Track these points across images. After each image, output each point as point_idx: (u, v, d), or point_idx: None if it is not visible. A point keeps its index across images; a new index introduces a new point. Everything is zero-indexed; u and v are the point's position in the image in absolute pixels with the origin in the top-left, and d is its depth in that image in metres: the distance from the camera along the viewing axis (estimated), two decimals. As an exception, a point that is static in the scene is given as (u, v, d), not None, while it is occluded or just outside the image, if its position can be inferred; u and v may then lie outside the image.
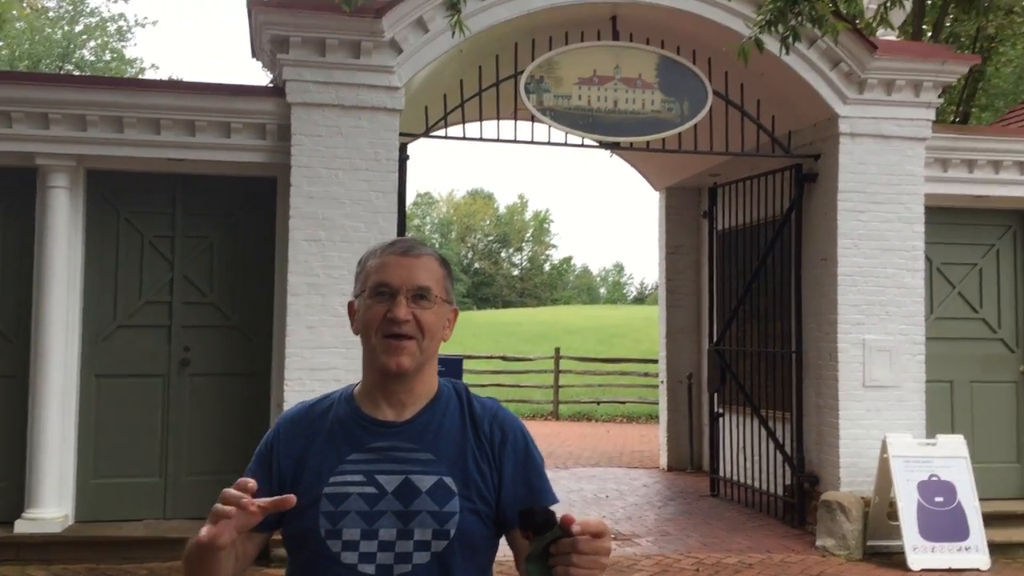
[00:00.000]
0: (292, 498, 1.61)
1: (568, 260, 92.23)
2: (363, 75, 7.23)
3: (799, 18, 4.80)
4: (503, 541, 1.90)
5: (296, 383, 7.07)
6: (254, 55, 8.06)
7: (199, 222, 7.64)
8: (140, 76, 29.05)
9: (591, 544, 1.49)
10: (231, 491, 1.57)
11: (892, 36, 8.24)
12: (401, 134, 7.47)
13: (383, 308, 1.81)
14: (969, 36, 14.82)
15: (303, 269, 7.13)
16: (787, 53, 5.46)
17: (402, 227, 7.52)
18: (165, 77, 30.59)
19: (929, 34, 14.71)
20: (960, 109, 15.81)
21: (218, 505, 1.56)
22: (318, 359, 7.11)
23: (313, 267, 7.14)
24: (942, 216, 8.45)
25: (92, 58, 29.41)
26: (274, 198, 7.57)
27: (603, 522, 1.53)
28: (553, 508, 1.60)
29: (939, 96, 8.14)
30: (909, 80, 7.90)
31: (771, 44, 5.47)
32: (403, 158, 7.54)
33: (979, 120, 16.67)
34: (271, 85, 7.82)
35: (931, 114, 8.08)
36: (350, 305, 1.93)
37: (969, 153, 8.25)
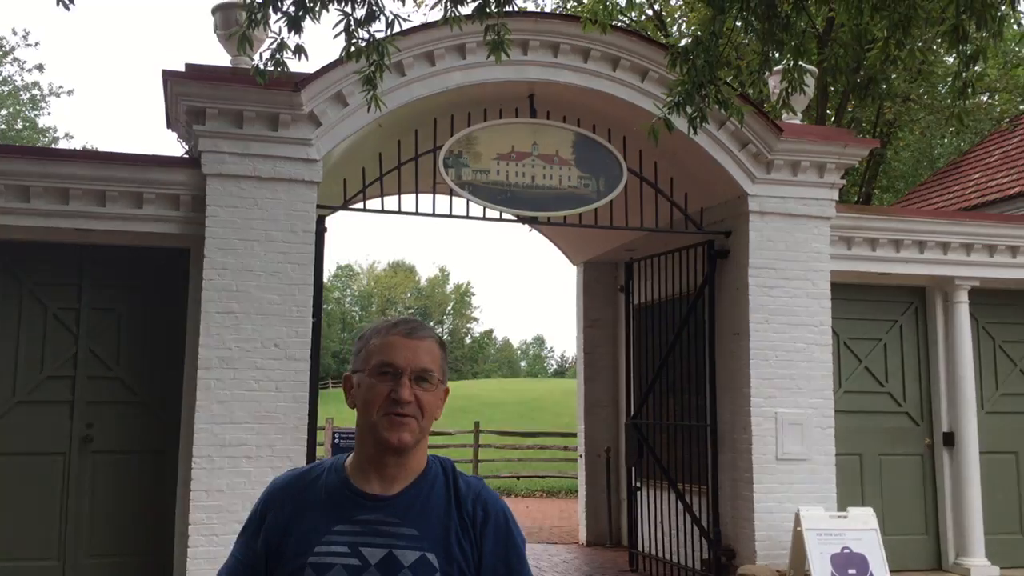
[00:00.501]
0: None
1: (489, 333, 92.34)
2: (281, 147, 7.22)
3: (706, 100, 4.97)
4: None
5: (205, 460, 6.86)
6: (169, 125, 7.98)
7: (107, 294, 7.44)
8: (52, 145, 28.45)
9: None
10: None
11: (797, 120, 8.59)
12: (319, 206, 7.44)
13: (387, 387, 1.89)
14: (870, 121, 15.55)
15: (215, 342, 6.97)
16: (695, 133, 5.64)
17: (318, 299, 7.43)
18: (79, 147, 30.02)
19: (832, 119, 15.39)
20: (863, 190, 16.50)
21: None
22: (229, 435, 6.92)
23: (226, 340, 6.99)
24: (848, 292, 8.73)
25: (2, 126, 28.76)
26: (186, 269, 7.43)
27: None
28: None
29: (842, 177, 8.48)
30: (813, 161, 8.22)
31: (681, 124, 5.64)
32: (320, 230, 7.50)
33: (881, 201, 17.42)
34: (186, 156, 7.74)
35: (834, 194, 8.41)
36: (347, 379, 1.99)
37: (871, 232, 8.58)
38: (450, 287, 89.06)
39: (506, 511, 1.98)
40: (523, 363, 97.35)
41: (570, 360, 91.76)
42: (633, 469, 9.79)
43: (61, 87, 31.01)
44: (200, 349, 6.95)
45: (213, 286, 7.01)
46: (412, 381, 1.90)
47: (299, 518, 1.90)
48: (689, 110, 4.92)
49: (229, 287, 7.04)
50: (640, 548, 9.66)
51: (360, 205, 8.02)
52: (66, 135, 35.28)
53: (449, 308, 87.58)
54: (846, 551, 7.59)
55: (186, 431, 7.13)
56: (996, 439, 9.05)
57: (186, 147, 8.01)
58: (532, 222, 8.70)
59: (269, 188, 7.18)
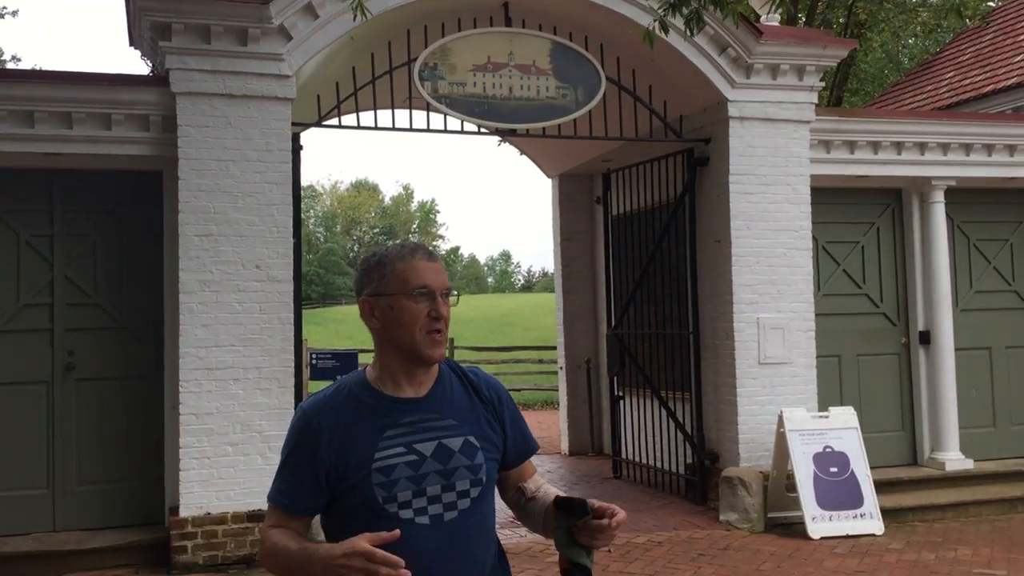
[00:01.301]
0: (397, 533, 1.94)
1: (456, 250, 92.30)
2: (251, 63, 6.99)
3: (702, 1, 4.86)
4: None
5: (192, 384, 6.81)
6: (132, 43, 7.69)
7: (80, 219, 7.25)
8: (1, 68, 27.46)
9: (613, 528, 2.04)
10: (384, 558, 1.87)
11: (776, 22, 8.47)
12: (293, 124, 7.26)
13: (425, 307, 2.13)
14: (839, 23, 15.40)
15: (195, 266, 6.86)
16: (692, 35, 5.52)
17: (297, 220, 7.31)
18: (30, 68, 29.03)
19: (803, 21, 15.22)
20: (832, 94, 16.44)
21: (371, 566, 1.87)
22: (214, 358, 6.85)
23: (205, 263, 6.87)
24: (826, 196, 8.74)
25: (-54, 50, 27.68)
26: (160, 192, 7.26)
27: (624, 514, 2.07)
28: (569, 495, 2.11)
29: (821, 79, 8.41)
30: (793, 64, 8.13)
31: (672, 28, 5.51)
32: (296, 148, 7.33)
33: (851, 104, 17.37)
34: (152, 74, 7.48)
35: (814, 97, 8.35)
36: (365, 302, 2.18)
37: (850, 135, 8.56)
38: (415, 205, 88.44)
39: (506, 390, 2.34)
40: (490, 279, 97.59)
41: (537, 275, 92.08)
42: (615, 379, 9.90)
43: (4, 8, 29.89)
44: (180, 273, 6.83)
45: (189, 208, 6.86)
46: (442, 299, 2.15)
47: (348, 434, 2.11)
48: (685, 11, 4.80)
49: (206, 209, 6.89)
50: (623, 455, 9.83)
51: (335, 122, 7.83)
52: (13, 57, 34.10)
53: (414, 226, 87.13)
54: (828, 450, 7.77)
55: (171, 356, 7.06)
56: (971, 336, 9.23)
57: (151, 65, 7.74)
58: (511, 135, 8.57)
59: (241, 106, 6.98)
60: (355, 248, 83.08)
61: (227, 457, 6.84)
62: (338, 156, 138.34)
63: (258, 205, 7.01)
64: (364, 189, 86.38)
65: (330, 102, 7.48)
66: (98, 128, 6.89)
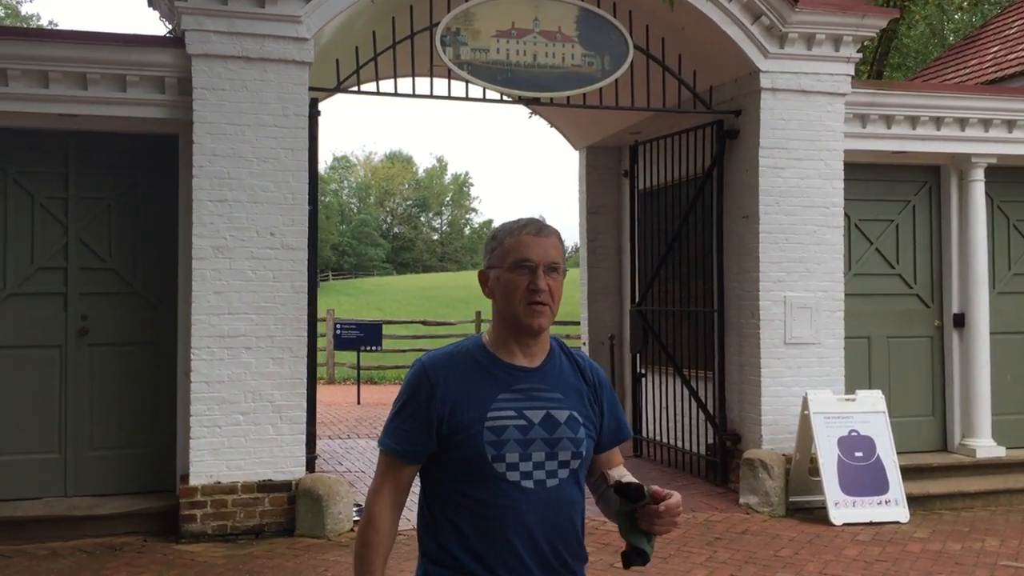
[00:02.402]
0: None
1: (488, 223, 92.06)
2: (268, 25, 6.83)
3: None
4: None
5: (204, 351, 6.72)
6: (151, 4, 7.56)
7: (95, 182, 7.17)
8: (36, 33, 27.60)
9: (671, 514, 2.12)
10: None
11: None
12: (311, 89, 7.11)
13: (525, 280, 2.21)
14: (882, -5, 14.93)
15: (209, 231, 6.75)
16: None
17: (314, 186, 7.17)
18: (43, 27, 29.16)
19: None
20: (873, 68, 15.98)
21: None
22: (227, 326, 6.76)
23: (219, 229, 6.76)
24: (860, 172, 8.45)
25: (-17, 14, 27.86)
26: (176, 156, 7.15)
27: (680, 497, 2.14)
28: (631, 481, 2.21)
29: (858, 51, 8.10)
30: (829, 34, 7.83)
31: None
32: (314, 113, 7.18)
33: (892, 80, 16.88)
34: (169, 36, 7.35)
35: (850, 69, 8.04)
36: (482, 274, 2.32)
37: (887, 109, 8.25)
38: (448, 178, 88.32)
39: (604, 373, 2.43)
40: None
41: (569, 249, 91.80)
42: (638, 355, 9.71)
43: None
44: (193, 239, 6.73)
45: (204, 173, 6.74)
46: (545, 273, 2.21)
47: (465, 390, 2.21)
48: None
49: (221, 174, 6.77)
50: (644, 434, 9.66)
51: (354, 88, 7.67)
52: (50, 23, 34.23)
53: (448, 199, 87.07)
54: (853, 434, 7.54)
55: (183, 322, 6.98)
56: (1007, 320, 8.92)
57: (169, 27, 7.61)
58: (534, 103, 8.36)
59: (258, 69, 6.83)
60: (388, 220, 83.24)
61: (238, 426, 6.76)
62: (372, 127, 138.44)
63: (273, 171, 6.88)
64: (398, 160, 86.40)
65: (349, 67, 7.32)
66: (113, 89, 6.78)
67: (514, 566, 2.16)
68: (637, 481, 2.19)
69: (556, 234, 2.28)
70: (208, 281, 6.74)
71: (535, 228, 2.26)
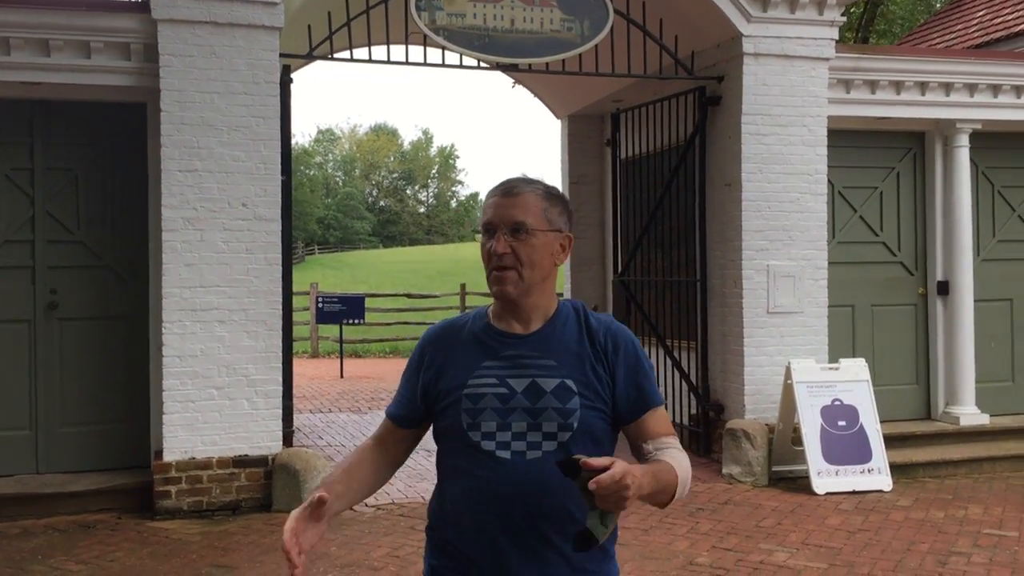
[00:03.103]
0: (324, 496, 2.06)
1: (475, 196, 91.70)
2: (237, -11, 6.63)
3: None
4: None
5: (176, 325, 6.58)
6: (116, -32, 7.34)
7: (62, 152, 6.99)
8: None
9: (609, 490, 1.80)
10: (285, 543, 1.98)
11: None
12: (282, 55, 6.93)
13: (489, 245, 2.11)
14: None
15: (178, 202, 6.59)
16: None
17: (287, 155, 7.01)
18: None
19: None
20: (859, 35, 15.83)
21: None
22: (199, 299, 6.62)
23: (189, 200, 6.60)
24: (843, 139, 8.33)
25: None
26: (144, 125, 6.97)
27: (614, 470, 1.79)
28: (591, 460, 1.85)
29: (842, 14, 7.96)
30: (813, -3, 7.68)
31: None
32: (285, 80, 7.00)
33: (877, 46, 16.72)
34: (135, 0, 7.15)
35: (834, 33, 7.90)
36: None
37: (871, 74, 8.12)
38: (434, 150, 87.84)
39: (634, 341, 2.20)
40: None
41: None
42: (621, 326, 9.60)
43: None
44: (163, 210, 6.57)
45: (172, 142, 6.57)
46: (507, 235, 2.08)
47: (453, 358, 2.17)
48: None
49: (190, 143, 6.59)
50: (628, 404, 9.57)
51: (328, 55, 7.48)
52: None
53: (434, 172, 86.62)
54: (837, 403, 7.48)
55: (155, 296, 6.83)
56: (991, 287, 8.86)
57: (136, -8, 7.38)
58: (512, 70, 8.19)
59: (227, 35, 6.64)
60: (374, 193, 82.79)
61: (212, 401, 6.64)
62: (357, 100, 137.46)
63: (244, 140, 6.71)
64: (383, 133, 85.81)
65: (322, 33, 7.13)
66: (77, 56, 6.59)
67: (485, 537, 2.08)
68: (570, 456, 1.89)
69: (537, 191, 2.13)
70: (179, 253, 6.59)
71: (503, 188, 2.14)
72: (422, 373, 2.21)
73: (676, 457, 2.09)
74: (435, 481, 2.30)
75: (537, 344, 2.14)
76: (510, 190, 2.13)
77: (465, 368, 2.14)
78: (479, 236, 2.19)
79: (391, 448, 2.30)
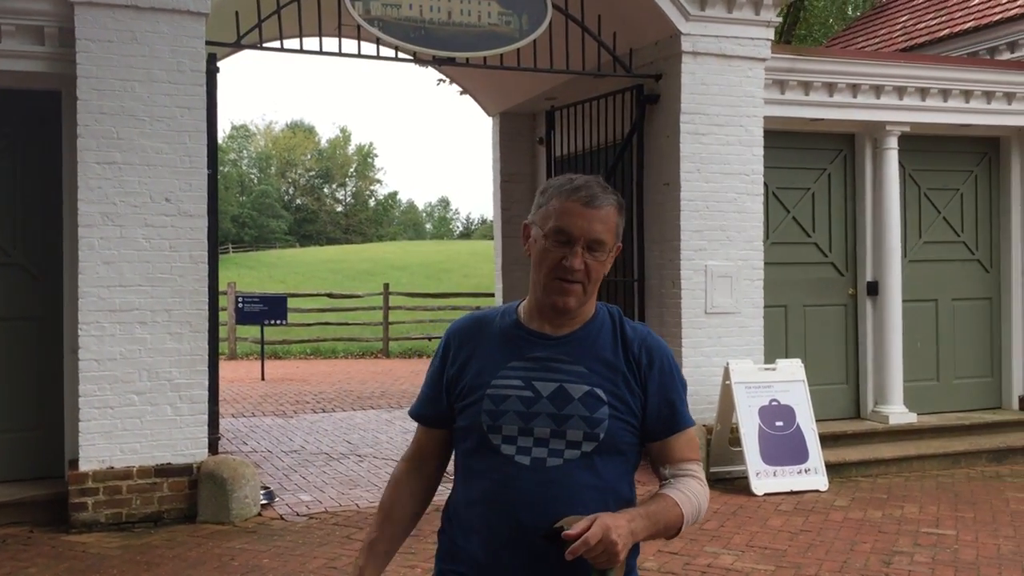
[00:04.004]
0: None
1: (393, 195, 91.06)
2: (161, -28, 6.28)
3: None
4: None
5: (94, 327, 6.19)
6: (28, -53, 6.89)
7: (-33, 143, 6.53)
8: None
9: (589, 552, 1.79)
10: None
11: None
12: (209, 43, 6.59)
13: (560, 253, 1.98)
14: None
15: (96, 196, 6.20)
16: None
17: (213, 148, 6.67)
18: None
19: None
20: (782, 39, 16.06)
21: None
22: (118, 299, 6.24)
23: (108, 194, 6.22)
24: (778, 140, 8.36)
25: None
26: (59, 114, 6.56)
27: (589, 535, 1.78)
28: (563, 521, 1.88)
29: (778, 15, 7.97)
30: (750, -3, 7.67)
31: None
32: (212, 70, 6.67)
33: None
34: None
35: (770, 33, 7.91)
36: (526, 227, 2.07)
37: (806, 75, 8.16)
38: (352, 148, 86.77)
39: (670, 356, 2.11)
40: (428, 226, 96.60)
41: (476, 222, 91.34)
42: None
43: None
44: (79, 204, 6.17)
45: (89, 132, 6.18)
46: (584, 250, 1.97)
47: (478, 354, 2.07)
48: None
49: (109, 134, 6.21)
50: (562, 406, 9.45)
51: (256, 44, 7.16)
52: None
53: (351, 170, 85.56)
54: (774, 403, 7.48)
55: (70, 295, 6.44)
56: (918, 287, 9.00)
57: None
58: (449, 63, 7.98)
59: (149, 19, 6.28)
60: (290, 191, 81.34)
61: (133, 407, 6.27)
62: (273, 96, 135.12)
63: (168, 131, 6.35)
64: (300, 130, 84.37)
65: (251, 21, 6.81)
66: (-15, 40, 6.15)
67: (496, 544, 1.99)
68: (556, 525, 1.87)
69: (614, 204, 2.01)
70: (96, 250, 6.20)
71: (587, 195, 1.98)
72: (447, 368, 2.11)
73: (690, 488, 2.05)
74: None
75: (568, 348, 2.04)
76: (591, 200, 1.99)
77: (490, 366, 2.05)
78: (534, 228, 2.03)
79: (427, 461, 2.19)
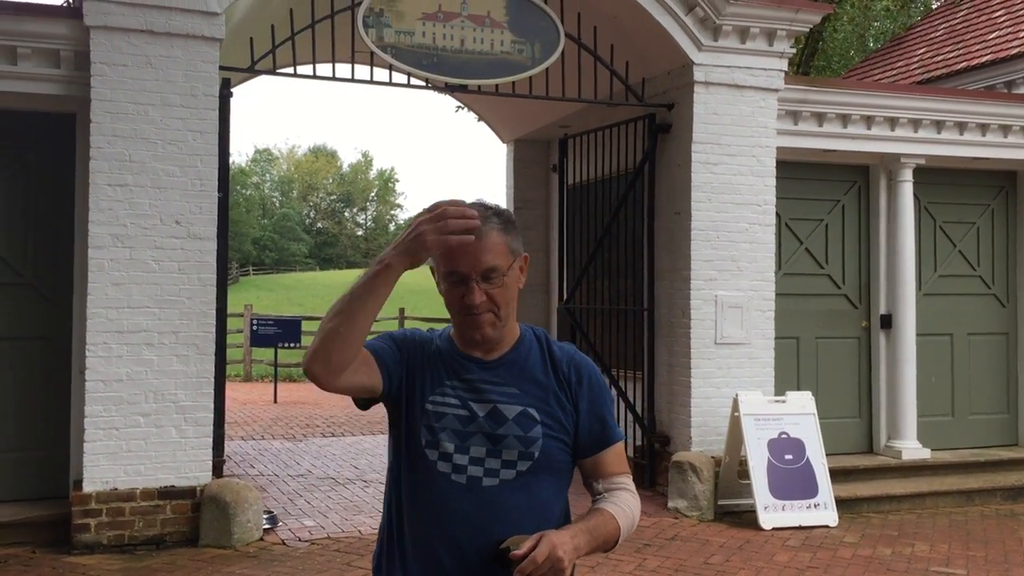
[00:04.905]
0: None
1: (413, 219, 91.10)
2: (176, -3, 6.35)
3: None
4: None
5: (101, 347, 6.22)
6: (48, -28, 7.01)
7: (-18, 163, 6.60)
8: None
9: (536, 569, 1.84)
10: (455, 209, 1.86)
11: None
12: (222, 68, 6.65)
13: (459, 292, 2.01)
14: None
15: (107, 218, 6.24)
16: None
17: (224, 171, 6.71)
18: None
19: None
20: (800, 70, 16.05)
21: (447, 209, 1.86)
22: (127, 320, 6.26)
23: (119, 216, 6.26)
24: (791, 171, 8.32)
25: None
26: (73, 137, 6.62)
27: (536, 554, 1.83)
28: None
29: (791, 46, 7.96)
30: (763, 28, 7.67)
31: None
32: (225, 94, 6.72)
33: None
34: (67, 5, 6.82)
35: (784, 64, 7.90)
36: (432, 268, 2.09)
37: (819, 106, 8.13)
38: (373, 173, 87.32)
39: (597, 372, 2.17)
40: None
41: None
42: (565, 355, 9.43)
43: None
44: (90, 226, 6.22)
45: (102, 155, 6.23)
46: (480, 281, 1.99)
47: (422, 369, 2.08)
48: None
49: (121, 156, 6.27)
50: (571, 435, 9.39)
51: (270, 70, 7.22)
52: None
53: (372, 194, 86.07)
54: (783, 436, 7.39)
55: (79, 316, 6.46)
56: (932, 321, 8.90)
57: (68, -2, 7.07)
58: (461, 91, 8.02)
59: (164, 44, 6.35)
60: (311, 215, 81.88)
61: (138, 428, 6.27)
62: (296, 120, 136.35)
63: (180, 155, 6.40)
64: (322, 155, 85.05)
65: (265, 47, 6.87)
66: (2, 62, 6.23)
67: (431, 563, 2.01)
68: (502, 545, 1.92)
69: (496, 228, 2.02)
70: (106, 272, 6.24)
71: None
72: (402, 361, 2.08)
73: (624, 501, 2.10)
74: (372, 514, 2.24)
75: (500, 371, 2.08)
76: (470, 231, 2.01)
77: (429, 382, 2.07)
78: (435, 276, 2.06)
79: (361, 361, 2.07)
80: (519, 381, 2.07)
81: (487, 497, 2.01)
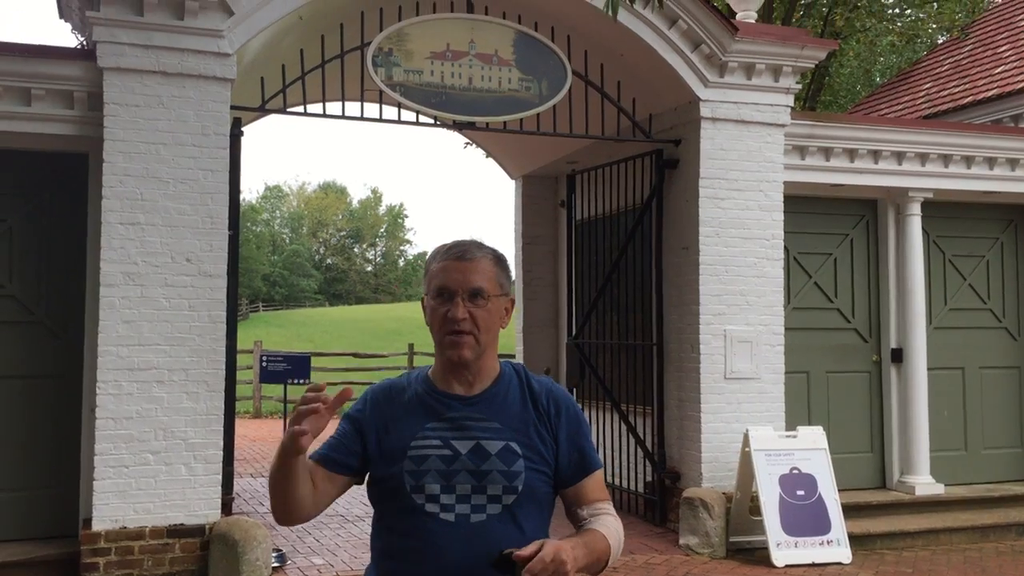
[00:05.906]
0: (350, 391, 2.05)
1: (423, 256, 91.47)
2: (188, 39, 6.44)
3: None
4: None
5: (111, 385, 6.23)
6: (62, 15, 7.10)
7: (-4, 202, 6.67)
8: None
9: (542, 571, 1.89)
10: (309, 394, 1.96)
11: (753, 19, 8.07)
12: (233, 107, 6.73)
13: (444, 308, 2.11)
14: (815, 31, 15.09)
15: (119, 256, 6.29)
16: (660, 6, 5.08)
17: (235, 209, 6.77)
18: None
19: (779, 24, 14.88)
20: (806, 105, 16.13)
21: (299, 406, 1.96)
22: (137, 358, 6.29)
23: (131, 254, 6.31)
24: (799, 205, 8.34)
25: None
26: (85, 176, 6.69)
27: (544, 553, 1.89)
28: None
29: (797, 82, 8.02)
30: (769, 64, 7.73)
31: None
32: (236, 133, 6.79)
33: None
34: (79, 48, 6.91)
35: (790, 100, 7.95)
36: (422, 302, 2.21)
37: (826, 141, 8.17)
38: (383, 209, 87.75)
39: (574, 403, 2.25)
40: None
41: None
42: (574, 390, 9.41)
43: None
44: (102, 264, 6.26)
45: (115, 194, 6.29)
46: (466, 300, 2.09)
47: (396, 419, 2.15)
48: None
49: (133, 195, 6.33)
50: (581, 471, 9.34)
51: (280, 109, 7.30)
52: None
53: (382, 230, 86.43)
54: (795, 472, 7.34)
55: (90, 354, 6.48)
56: (944, 355, 8.87)
57: (82, 40, 7.16)
58: (469, 128, 8.09)
59: (176, 85, 6.43)
60: (321, 251, 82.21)
61: (147, 466, 6.27)
62: (306, 157, 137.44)
63: (191, 193, 6.46)
64: (332, 191, 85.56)
65: (276, 87, 6.96)
66: (16, 103, 6.32)
67: None
68: (504, 552, 1.97)
69: (488, 257, 2.16)
70: (117, 310, 6.27)
71: (458, 252, 2.15)
72: (365, 430, 2.17)
73: (609, 524, 2.16)
74: None
75: (481, 407, 2.15)
76: (463, 254, 2.14)
77: (409, 430, 2.13)
78: (425, 298, 2.17)
79: (316, 483, 2.16)
80: (500, 416, 2.14)
81: (477, 532, 2.06)
